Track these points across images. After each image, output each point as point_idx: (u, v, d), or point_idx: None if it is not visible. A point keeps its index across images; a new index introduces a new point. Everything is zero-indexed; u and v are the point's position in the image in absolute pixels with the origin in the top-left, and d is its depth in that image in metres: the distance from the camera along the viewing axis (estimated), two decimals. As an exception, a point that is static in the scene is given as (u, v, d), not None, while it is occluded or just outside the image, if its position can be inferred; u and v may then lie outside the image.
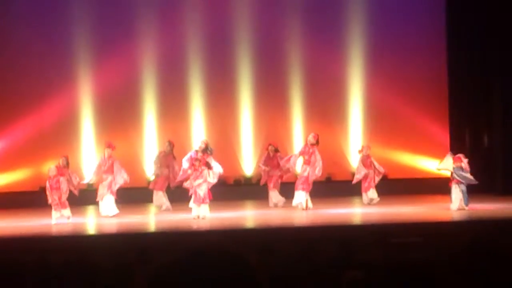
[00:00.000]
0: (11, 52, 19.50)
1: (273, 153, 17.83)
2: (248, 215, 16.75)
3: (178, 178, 16.58)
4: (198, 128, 19.99)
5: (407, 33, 20.13)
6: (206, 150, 16.38)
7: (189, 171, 15.72)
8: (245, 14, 20.08)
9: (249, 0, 20.15)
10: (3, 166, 19.48)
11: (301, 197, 16.48)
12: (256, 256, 5.77)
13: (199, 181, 15.31)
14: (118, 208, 16.18)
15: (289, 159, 17.12)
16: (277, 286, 4.93)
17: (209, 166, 15.54)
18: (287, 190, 17.15)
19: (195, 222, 14.65)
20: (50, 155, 18.07)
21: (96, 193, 16.40)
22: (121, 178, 16.24)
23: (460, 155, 15.94)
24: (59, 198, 15.23)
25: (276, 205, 17.34)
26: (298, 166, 17.22)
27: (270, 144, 18.02)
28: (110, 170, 16.25)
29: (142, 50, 19.92)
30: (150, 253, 6.61)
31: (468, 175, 15.62)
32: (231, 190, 19.40)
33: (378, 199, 17.26)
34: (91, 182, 17.08)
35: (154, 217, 16.45)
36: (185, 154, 16.84)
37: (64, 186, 15.38)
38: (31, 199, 17.74)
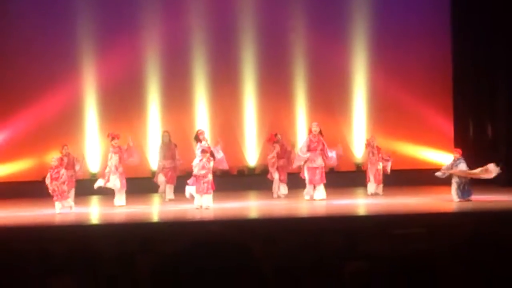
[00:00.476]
0: (14, 43, 19.50)
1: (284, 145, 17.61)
2: (251, 206, 16.75)
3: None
4: (202, 119, 19.98)
5: (411, 24, 20.08)
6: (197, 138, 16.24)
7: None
8: (249, 5, 20.04)
9: (253, -9, 20.13)
10: (7, 156, 19.52)
11: (323, 190, 16.51)
12: (260, 246, 5.78)
13: (203, 171, 15.27)
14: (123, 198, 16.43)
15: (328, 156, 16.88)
16: (281, 277, 4.94)
17: (213, 156, 15.55)
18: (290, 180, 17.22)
19: (198, 212, 14.66)
20: (53, 145, 18.07)
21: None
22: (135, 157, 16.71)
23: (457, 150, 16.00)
24: (59, 189, 15.21)
25: (279, 196, 17.27)
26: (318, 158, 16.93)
27: (276, 134, 17.69)
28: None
29: (146, 41, 19.90)
30: (153, 243, 6.62)
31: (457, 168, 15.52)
32: (234, 180, 19.41)
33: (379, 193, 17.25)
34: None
35: (157, 207, 16.49)
36: (189, 145, 16.88)
37: (65, 178, 15.36)
38: (34, 189, 17.76)
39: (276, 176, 17.36)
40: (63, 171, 15.42)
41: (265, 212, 15.07)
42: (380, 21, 20.07)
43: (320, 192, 16.59)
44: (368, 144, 17.65)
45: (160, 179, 17.62)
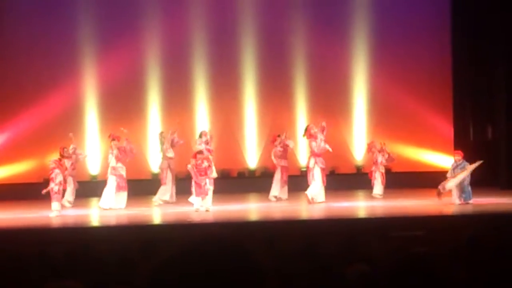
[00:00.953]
0: (16, 45, 19.51)
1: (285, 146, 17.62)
2: (251, 208, 16.74)
3: None
4: (202, 120, 19.98)
5: (411, 26, 20.09)
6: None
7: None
8: (250, 8, 20.06)
9: (254, -7, 20.15)
10: (8, 158, 19.52)
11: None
12: (260, 249, 5.78)
13: (203, 177, 15.21)
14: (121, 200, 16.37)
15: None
16: (281, 279, 4.94)
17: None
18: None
19: (197, 215, 14.64)
20: (54, 147, 18.04)
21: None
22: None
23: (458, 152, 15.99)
24: (53, 189, 15.16)
25: (279, 199, 17.17)
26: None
27: (278, 135, 17.68)
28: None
29: (147, 43, 19.92)
30: (153, 245, 6.62)
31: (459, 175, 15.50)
32: (234, 182, 19.41)
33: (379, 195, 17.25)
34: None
35: (158, 209, 16.47)
36: (189, 147, 16.86)
37: (59, 178, 15.29)
38: (35, 190, 17.75)
39: (278, 172, 17.27)
40: (57, 171, 15.30)
41: (265, 215, 15.06)
42: (380, 24, 20.09)
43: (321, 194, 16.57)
44: (370, 148, 17.60)
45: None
